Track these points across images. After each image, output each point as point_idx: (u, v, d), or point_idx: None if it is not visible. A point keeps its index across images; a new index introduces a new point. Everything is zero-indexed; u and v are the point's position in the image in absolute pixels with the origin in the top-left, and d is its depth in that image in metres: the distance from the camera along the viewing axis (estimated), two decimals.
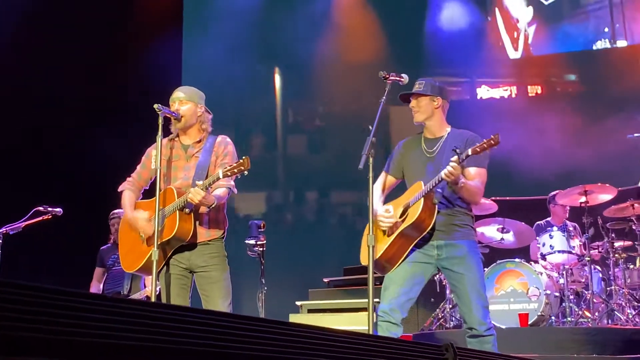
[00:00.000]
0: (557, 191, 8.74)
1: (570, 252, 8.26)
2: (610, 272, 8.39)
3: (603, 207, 8.52)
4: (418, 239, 4.74)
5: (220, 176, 4.54)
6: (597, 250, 8.52)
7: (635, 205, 8.19)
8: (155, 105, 4.79)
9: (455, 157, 4.44)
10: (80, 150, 9.81)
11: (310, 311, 9.08)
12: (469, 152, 4.48)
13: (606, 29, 12.37)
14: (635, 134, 9.43)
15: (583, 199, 8.28)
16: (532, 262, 8.29)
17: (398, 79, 4.88)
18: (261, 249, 7.40)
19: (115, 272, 7.81)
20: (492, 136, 4.46)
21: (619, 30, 12.29)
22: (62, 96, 9.98)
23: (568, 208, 8.91)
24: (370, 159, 4.51)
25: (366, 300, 4.44)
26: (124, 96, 10.49)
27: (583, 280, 8.25)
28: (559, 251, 8.29)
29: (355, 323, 7.94)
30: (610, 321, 7.87)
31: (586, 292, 8.11)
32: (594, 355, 6.77)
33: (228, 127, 12.38)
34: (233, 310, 5.00)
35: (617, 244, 8.42)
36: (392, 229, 4.79)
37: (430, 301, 9.16)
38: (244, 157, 4.55)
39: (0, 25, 9.33)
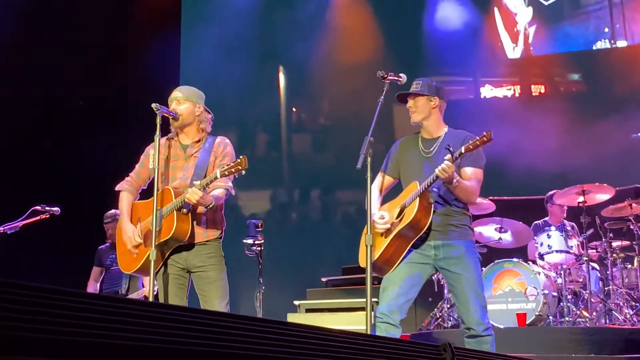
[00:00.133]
0: (554, 191, 8.74)
1: (568, 252, 8.26)
2: (608, 272, 8.40)
3: (601, 207, 8.53)
4: (415, 239, 4.73)
5: (218, 176, 4.54)
6: (595, 250, 8.53)
7: (633, 204, 8.20)
8: (153, 105, 4.78)
9: (448, 155, 4.44)
10: (78, 150, 9.81)
11: (308, 311, 9.07)
12: (462, 149, 4.48)
13: (606, 29, 12.37)
14: None
15: (581, 198, 8.29)
16: (530, 262, 8.30)
17: (396, 78, 4.88)
18: (259, 248, 7.40)
19: (113, 272, 7.81)
20: (484, 133, 4.46)
21: (619, 31, 12.29)
22: (61, 96, 9.99)
23: (566, 208, 8.91)
24: (369, 159, 4.51)
25: (364, 299, 4.44)
26: (123, 96, 10.51)
27: (581, 280, 8.26)
28: (556, 251, 8.30)
29: (354, 323, 7.94)
30: (608, 321, 7.88)
31: (584, 292, 8.12)
32: (591, 355, 6.77)
33: (232, 126, 12.42)
34: (231, 310, 5.01)
35: (614, 244, 8.43)
36: (389, 230, 4.79)
37: (428, 301, 9.17)
38: (241, 157, 4.54)
39: (0, 25, 9.33)
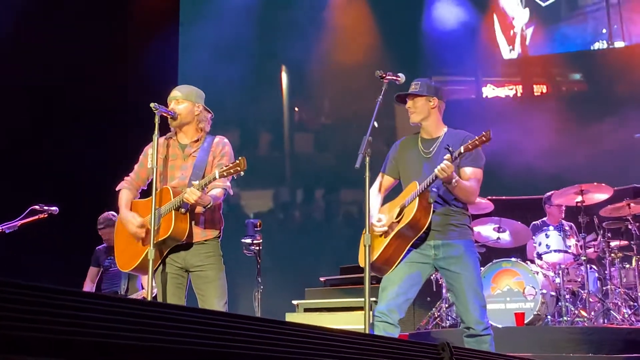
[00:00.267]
0: (552, 191, 8.75)
1: (566, 252, 8.27)
2: (606, 272, 8.41)
3: (599, 207, 8.53)
4: (414, 239, 4.74)
5: (217, 177, 4.54)
6: (593, 250, 8.54)
7: (632, 204, 8.20)
8: (152, 104, 4.78)
9: (447, 155, 4.44)
10: (77, 150, 9.81)
11: (306, 310, 9.08)
12: (461, 149, 4.49)
13: (604, 30, 12.38)
14: None
15: (579, 198, 8.29)
16: (528, 262, 8.30)
17: (394, 78, 4.87)
18: (257, 247, 7.40)
19: (112, 273, 7.81)
20: (483, 133, 4.46)
21: (616, 32, 12.30)
22: (60, 95, 9.99)
23: (564, 208, 8.92)
24: (367, 158, 4.51)
25: (363, 299, 4.45)
26: (122, 95, 10.50)
27: (579, 279, 8.26)
28: (555, 250, 8.30)
29: (352, 322, 7.94)
30: (606, 320, 7.88)
31: (582, 292, 8.12)
32: (589, 354, 6.78)
33: (234, 126, 12.43)
34: (229, 310, 5.01)
35: (613, 244, 8.44)
36: (388, 230, 4.80)
37: (427, 300, 9.18)
38: (240, 158, 4.54)
39: (0, 24, 9.33)
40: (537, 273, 7.99)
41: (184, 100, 4.98)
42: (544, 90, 12.81)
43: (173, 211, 4.67)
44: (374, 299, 5.19)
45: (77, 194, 9.44)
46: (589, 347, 6.85)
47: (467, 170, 4.79)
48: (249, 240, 7.45)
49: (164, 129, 4.96)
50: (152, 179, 4.85)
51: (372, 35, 12.90)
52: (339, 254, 10.71)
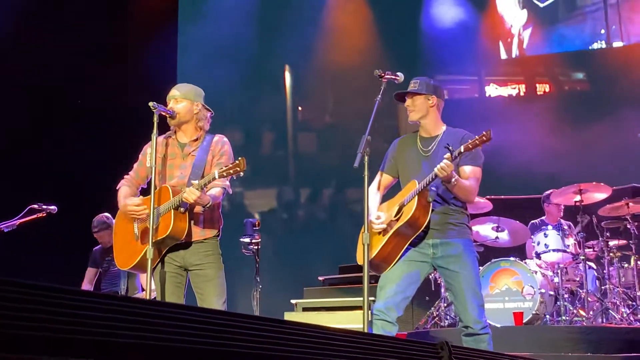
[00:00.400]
0: (551, 190, 8.74)
1: (565, 251, 8.27)
2: (604, 271, 8.41)
3: (598, 206, 8.54)
4: (413, 237, 4.74)
5: (216, 177, 4.53)
6: (591, 249, 8.54)
7: (630, 204, 8.21)
8: (150, 103, 4.78)
9: (447, 154, 4.44)
10: (77, 149, 9.81)
11: (305, 309, 9.08)
12: (462, 148, 4.49)
13: (602, 31, 12.38)
14: None
15: (578, 197, 8.30)
16: (527, 261, 8.30)
17: (393, 77, 4.87)
18: (256, 247, 7.40)
19: (112, 273, 7.80)
20: (484, 132, 4.46)
21: (615, 32, 12.30)
22: (60, 95, 9.98)
23: (563, 207, 8.93)
24: (366, 157, 4.51)
25: (361, 298, 4.44)
26: (122, 95, 10.48)
27: (578, 279, 8.26)
28: (553, 250, 8.30)
29: (351, 321, 7.95)
30: (604, 320, 7.89)
31: (581, 291, 8.13)
32: (588, 354, 6.78)
33: (238, 125, 12.43)
34: (228, 309, 5.01)
35: (611, 243, 8.44)
36: (386, 228, 4.80)
37: (425, 300, 9.18)
38: (240, 158, 4.53)
39: (0, 24, 9.33)
40: (536, 272, 8.00)
41: (182, 99, 4.97)
42: (547, 90, 12.81)
43: (172, 210, 4.66)
44: (372, 298, 5.19)
45: (76, 193, 9.44)
46: (587, 346, 6.86)
47: (466, 169, 4.79)
48: (247, 240, 7.45)
49: (164, 128, 4.95)
50: (151, 178, 4.84)
51: (374, 35, 12.93)
52: (338, 253, 10.71)
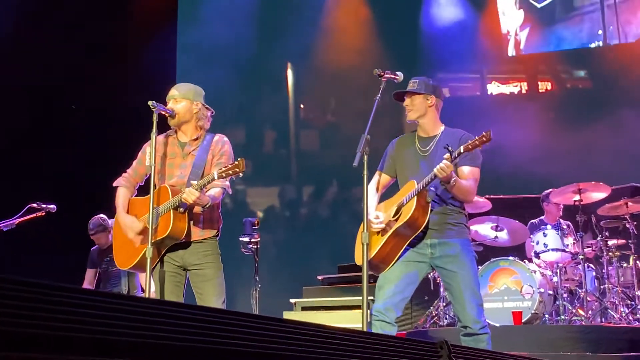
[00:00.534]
0: (550, 189, 8.74)
1: (564, 251, 8.27)
2: (603, 271, 8.41)
3: (597, 206, 8.54)
4: (412, 237, 4.74)
5: (215, 177, 4.53)
6: (590, 249, 8.54)
7: (629, 203, 8.21)
8: (150, 103, 4.77)
9: (447, 155, 4.44)
10: (77, 149, 9.82)
11: (304, 309, 9.09)
12: (461, 149, 4.48)
13: (600, 32, 12.38)
14: None
15: (577, 197, 8.29)
16: (526, 260, 8.30)
17: (393, 76, 4.87)
18: (255, 246, 7.40)
19: (111, 274, 7.80)
20: (484, 133, 4.45)
21: (612, 33, 12.30)
22: (59, 94, 9.99)
23: (562, 206, 8.93)
24: (365, 157, 4.51)
25: (360, 297, 4.44)
26: (122, 95, 10.49)
27: (577, 278, 8.27)
28: (552, 249, 8.30)
29: (350, 321, 7.96)
30: (603, 319, 7.89)
31: (580, 291, 8.13)
32: (587, 353, 6.78)
33: (240, 124, 12.43)
34: (227, 308, 5.00)
35: (610, 243, 8.44)
36: (385, 228, 4.80)
37: (424, 299, 9.18)
38: (239, 159, 4.52)
39: (0, 24, 9.33)
40: (535, 272, 8.00)
41: (182, 99, 4.97)
42: (549, 87, 12.81)
43: (171, 210, 4.66)
44: (371, 297, 5.19)
45: (76, 192, 9.44)
46: (586, 345, 6.86)
47: (465, 170, 4.79)
48: (246, 239, 7.44)
49: (164, 127, 4.95)
50: (149, 176, 4.83)
51: (376, 34, 12.93)
52: (339, 252, 10.72)
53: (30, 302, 1.35)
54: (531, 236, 8.67)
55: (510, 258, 8.15)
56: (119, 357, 1.47)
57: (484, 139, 4.44)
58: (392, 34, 12.73)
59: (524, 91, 12.85)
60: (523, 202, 10.25)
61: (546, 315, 7.90)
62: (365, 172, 4.52)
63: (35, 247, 8.69)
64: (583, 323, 7.67)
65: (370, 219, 4.77)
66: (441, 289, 8.45)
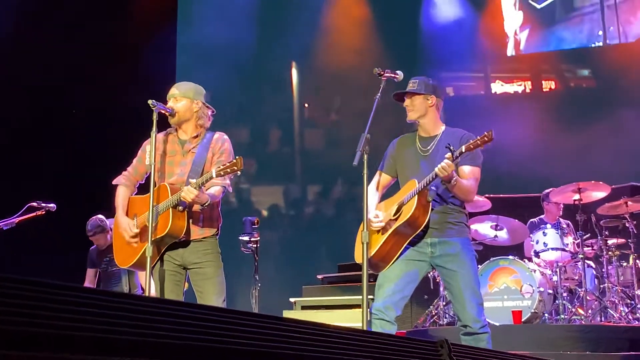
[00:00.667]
0: (550, 189, 8.74)
1: (563, 250, 8.27)
2: (603, 270, 8.41)
3: (596, 205, 8.54)
4: (412, 236, 4.74)
5: (214, 175, 4.53)
6: (590, 248, 8.54)
7: (629, 202, 8.21)
8: (150, 101, 4.78)
9: (448, 154, 4.44)
10: (76, 148, 9.82)
11: (304, 308, 9.09)
12: (463, 148, 4.48)
13: (600, 33, 12.37)
14: None
15: (577, 196, 8.30)
16: (526, 260, 8.31)
17: (393, 75, 4.87)
18: (255, 245, 7.40)
19: (111, 273, 7.80)
20: (485, 132, 4.45)
21: (612, 34, 12.29)
22: (59, 94, 9.99)
23: (562, 206, 8.93)
24: (365, 156, 4.51)
25: (360, 296, 4.45)
26: (122, 94, 10.49)
27: (576, 277, 8.26)
28: (552, 248, 8.31)
29: (349, 320, 7.95)
30: (603, 318, 7.89)
31: (579, 290, 8.13)
32: (587, 352, 6.78)
33: (244, 123, 12.43)
34: (227, 307, 5.01)
35: (610, 242, 8.45)
36: (385, 227, 4.80)
37: (424, 298, 9.18)
38: (237, 157, 4.52)
39: (0, 24, 9.34)
40: (535, 271, 8.00)
41: (182, 98, 4.97)
42: (553, 86, 12.81)
43: (170, 209, 4.66)
44: (371, 296, 5.19)
45: (75, 191, 9.45)
46: (586, 345, 6.86)
47: (466, 169, 4.79)
48: (246, 238, 7.45)
49: (163, 126, 4.95)
50: (149, 174, 4.83)
51: (378, 33, 12.93)
52: (340, 251, 10.72)
53: (31, 301, 1.35)
54: (531, 235, 8.68)
55: (510, 257, 8.16)
56: (120, 356, 1.48)
57: (486, 138, 4.44)
58: (395, 34, 12.74)
59: (528, 90, 12.84)
60: (523, 201, 10.25)
61: (546, 315, 7.90)
62: (365, 171, 4.52)
63: (35, 247, 8.69)
64: (583, 322, 7.67)
65: (370, 218, 4.78)
66: (441, 288, 8.45)
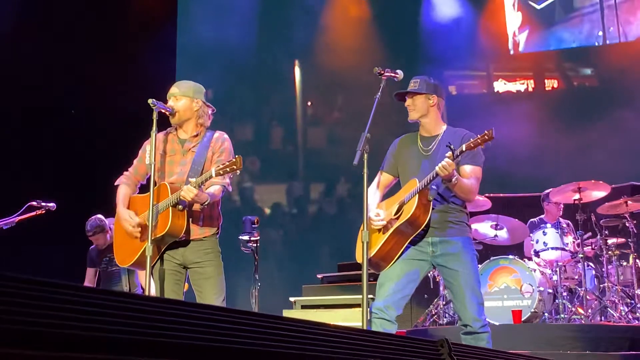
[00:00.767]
0: (550, 189, 8.75)
1: (563, 249, 8.27)
2: (603, 269, 8.42)
3: (596, 204, 8.54)
4: (413, 235, 4.74)
5: (213, 175, 4.53)
6: (590, 247, 8.54)
7: (629, 202, 8.21)
8: (150, 101, 4.77)
9: (449, 153, 4.44)
10: (76, 147, 9.82)
11: (304, 307, 9.09)
12: (463, 147, 4.48)
13: (600, 33, 12.37)
14: None
15: (576, 196, 8.30)
16: (526, 259, 8.31)
17: (393, 75, 4.87)
18: (255, 244, 7.40)
19: (111, 273, 7.80)
20: (486, 131, 4.45)
21: (612, 34, 12.29)
22: (58, 93, 9.99)
23: (562, 205, 8.93)
24: (365, 155, 4.51)
25: (360, 296, 4.44)
26: (122, 94, 10.49)
27: (576, 277, 8.27)
28: (552, 248, 8.31)
29: (349, 319, 7.96)
30: (603, 318, 7.90)
31: (579, 289, 8.13)
32: (586, 351, 6.79)
33: (247, 121, 12.43)
34: (227, 306, 5.00)
35: (610, 241, 8.45)
36: (386, 226, 4.80)
37: (424, 298, 9.19)
38: (236, 157, 4.52)
39: (0, 24, 9.34)
40: (535, 270, 8.00)
41: (182, 97, 4.97)
42: (555, 85, 12.81)
43: (170, 208, 4.66)
44: (371, 296, 5.19)
45: (75, 191, 9.45)
46: (586, 344, 6.86)
47: (467, 168, 4.79)
48: (246, 237, 7.44)
49: (164, 126, 4.95)
50: (150, 174, 4.83)
51: (381, 33, 12.93)
52: (341, 250, 10.72)
53: (31, 300, 1.35)
54: (531, 235, 8.68)
55: (510, 257, 8.16)
56: (120, 355, 1.47)
57: (486, 137, 4.43)
58: (395, 33, 12.74)
59: (530, 89, 12.83)
60: (523, 201, 10.25)
61: (546, 314, 7.90)
62: (365, 170, 4.52)
63: (35, 246, 8.69)
64: (582, 322, 7.68)
65: (370, 217, 4.78)
66: (441, 288, 8.46)
